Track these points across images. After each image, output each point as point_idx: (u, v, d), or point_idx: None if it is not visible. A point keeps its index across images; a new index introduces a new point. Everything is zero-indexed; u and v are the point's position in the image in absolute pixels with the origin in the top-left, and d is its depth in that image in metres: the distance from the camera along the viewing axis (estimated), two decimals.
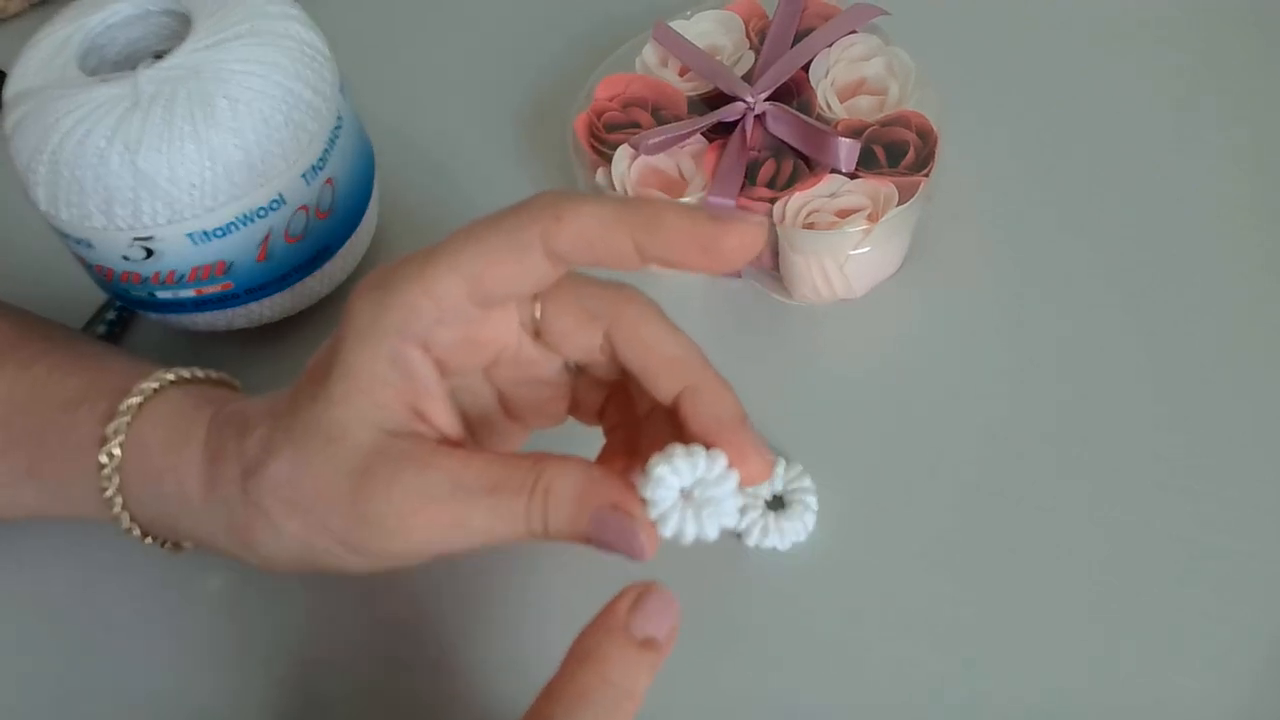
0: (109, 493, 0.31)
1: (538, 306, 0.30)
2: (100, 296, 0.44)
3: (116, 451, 0.31)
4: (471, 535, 0.28)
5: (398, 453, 0.28)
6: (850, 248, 0.39)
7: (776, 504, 0.37)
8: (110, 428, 0.31)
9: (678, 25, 0.45)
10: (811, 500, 0.36)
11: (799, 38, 0.44)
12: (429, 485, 0.28)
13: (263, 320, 0.41)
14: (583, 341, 0.30)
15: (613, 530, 0.27)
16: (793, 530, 0.36)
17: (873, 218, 0.39)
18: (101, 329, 0.44)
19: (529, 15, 0.55)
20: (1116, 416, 0.38)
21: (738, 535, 0.36)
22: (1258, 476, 0.36)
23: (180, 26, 0.39)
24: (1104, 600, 0.34)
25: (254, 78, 0.36)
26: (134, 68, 0.36)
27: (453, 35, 0.55)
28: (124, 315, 0.44)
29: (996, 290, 0.42)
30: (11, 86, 0.37)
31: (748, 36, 0.45)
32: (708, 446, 0.28)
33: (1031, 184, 0.45)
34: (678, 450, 0.28)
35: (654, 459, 0.28)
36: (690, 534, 0.28)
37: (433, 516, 0.28)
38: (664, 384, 0.29)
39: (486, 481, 0.28)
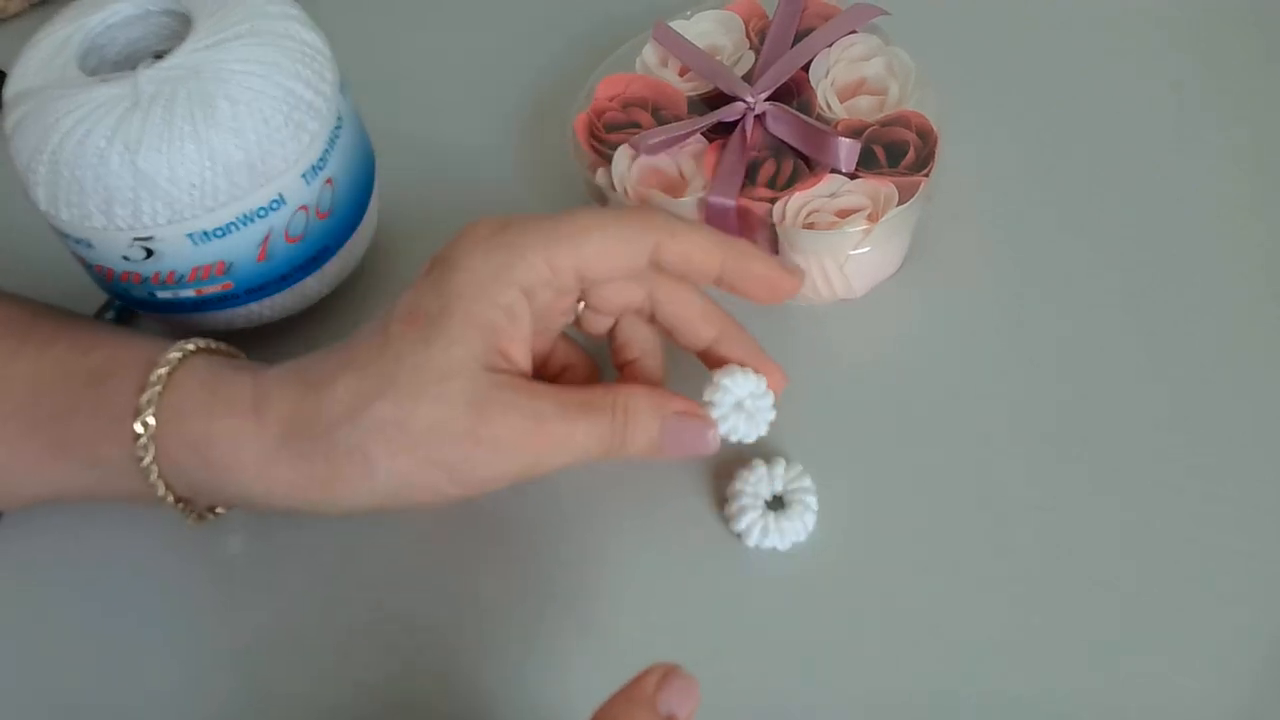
0: (145, 461, 0.32)
1: None
2: (100, 296, 0.44)
3: (151, 420, 0.32)
4: (572, 451, 0.33)
5: (506, 383, 0.32)
6: (850, 248, 0.39)
7: (776, 504, 0.37)
8: (143, 398, 0.32)
9: (678, 25, 0.45)
10: (811, 500, 0.36)
11: (799, 38, 0.44)
12: (540, 408, 0.32)
13: (263, 320, 0.41)
14: (628, 301, 0.35)
15: (683, 432, 0.34)
16: (793, 530, 0.36)
17: (873, 218, 0.39)
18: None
19: (529, 15, 0.55)
20: (1116, 416, 0.38)
21: (738, 535, 0.36)
22: (1258, 476, 0.36)
23: (180, 26, 0.39)
24: (1104, 600, 0.34)
25: (254, 78, 0.36)
26: (134, 68, 0.36)
27: (453, 35, 0.55)
28: (124, 315, 0.44)
29: (996, 290, 0.42)
30: (11, 86, 0.37)
31: (748, 36, 0.45)
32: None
33: (1031, 184, 0.45)
34: (735, 369, 0.35)
35: (717, 372, 0.35)
36: (744, 434, 0.35)
37: (545, 433, 0.32)
38: (702, 331, 0.36)
39: (581, 402, 0.33)
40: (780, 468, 0.37)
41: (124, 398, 0.32)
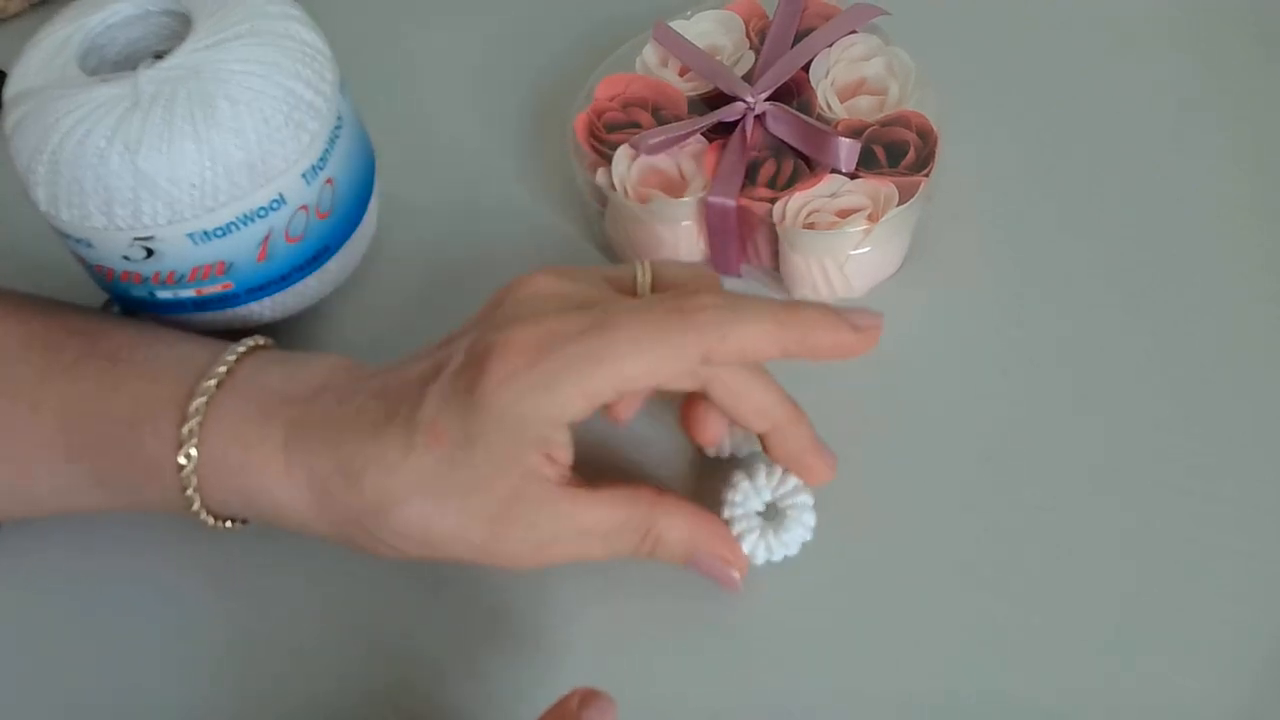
0: (194, 506, 0.33)
1: None
2: (100, 295, 0.44)
3: (193, 479, 0.33)
4: (586, 560, 0.33)
5: (531, 498, 0.31)
6: (850, 248, 0.39)
7: (771, 513, 0.35)
8: (179, 457, 0.32)
9: (678, 25, 0.45)
10: (809, 518, 0.35)
11: (799, 38, 0.44)
12: (558, 532, 0.32)
13: (263, 320, 0.41)
14: (679, 387, 0.32)
15: (712, 570, 0.34)
16: (794, 539, 0.35)
17: (873, 218, 0.39)
18: None
19: (529, 15, 0.55)
20: (1116, 416, 0.38)
21: None
22: (1258, 476, 0.36)
23: (180, 26, 0.39)
24: (1104, 600, 0.34)
25: (254, 78, 0.36)
26: (134, 68, 0.36)
27: (453, 35, 0.55)
28: (126, 312, 0.44)
29: (996, 290, 0.42)
30: (11, 86, 0.37)
31: (748, 36, 0.45)
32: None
33: (1032, 184, 0.45)
34: (761, 469, 0.34)
35: (737, 476, 0.34)
36: (771, 553, 0.34)
37: (557, 553, 0.32)
38: (754, 425, 0.33)
39: (607, 528, 0.32)
40: (761, 477, 0.35)
41: (160, 446, 0.33)
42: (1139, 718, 0.32)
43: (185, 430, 0.32)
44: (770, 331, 0.31)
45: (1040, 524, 0.36)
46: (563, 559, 0.32)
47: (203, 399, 0.33)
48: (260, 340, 0.36)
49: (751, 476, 0.35)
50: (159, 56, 0.38)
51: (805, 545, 0.35)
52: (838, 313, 0.32)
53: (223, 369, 0.33)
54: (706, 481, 0.38)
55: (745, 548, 0.34)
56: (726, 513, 0.34)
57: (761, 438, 0.34)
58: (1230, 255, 0.42)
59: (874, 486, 0.37)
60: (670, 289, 0.34)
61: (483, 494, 0.31)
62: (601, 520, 0.32)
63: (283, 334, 0.42)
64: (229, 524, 0.34)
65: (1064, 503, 0.36)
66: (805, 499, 0.35)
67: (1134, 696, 0.33)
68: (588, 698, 0.28)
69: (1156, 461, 0.37)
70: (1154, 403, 0.38)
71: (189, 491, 0.33)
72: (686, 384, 0.32)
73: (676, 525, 0.33)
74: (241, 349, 0.35)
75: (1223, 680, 0.33)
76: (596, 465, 0.34)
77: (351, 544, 0.33)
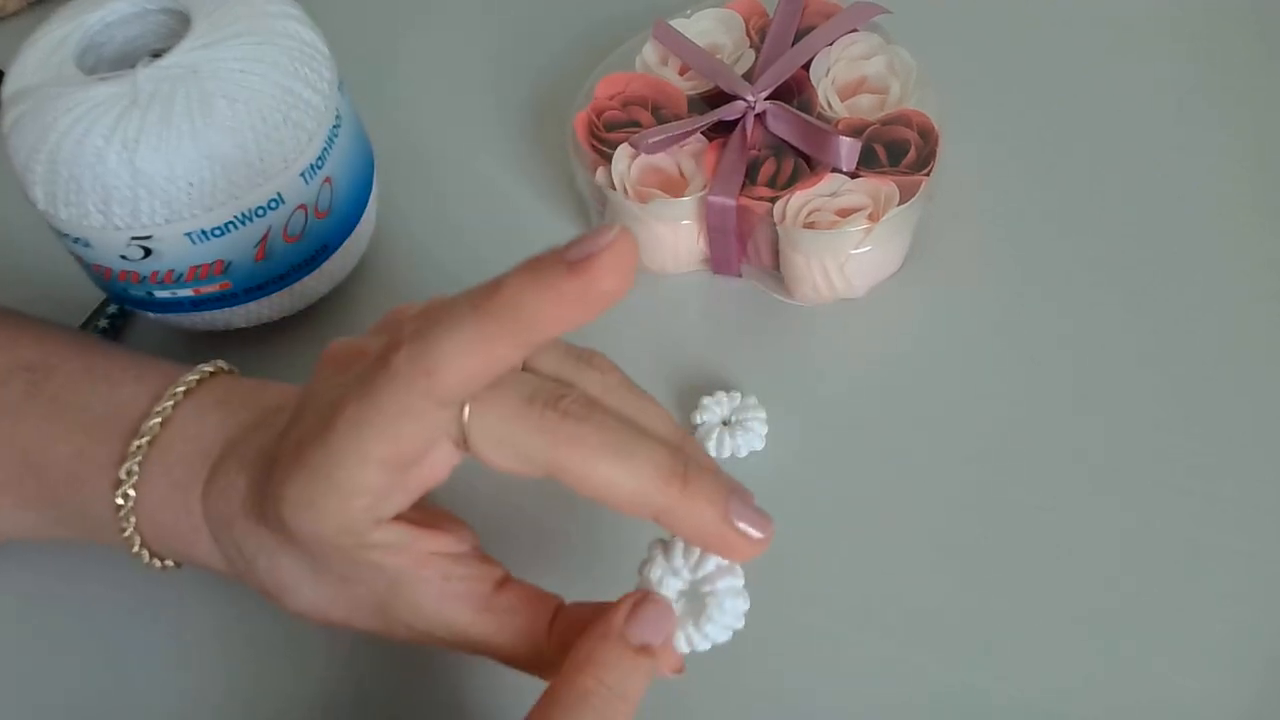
0: (144, 559, 0.33)
1: (464, 423, 0.26)
2: (97, 295, 0.44)
3: (137, 543, 0.33)
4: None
5: (406, 597, 0.28)
6: (851, 247, 0.39)
7: (692, 596, 0.28)
8: (120, 518, 0.32)
9: (678, 24, 0.45)
10: (737, 604, 0.28)
11: (799, 36, 0.44)
12: (441, 637, 0.29)
13: (261, 320, 0.41)
14: (527, 474, 0.26)
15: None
16: (715, 632, 0.28)
17: (873, 217, 0.39)
18: (103, 323, 0.43)
19: (529, 14, 0.54)
20: (1117, 416, 0.38)
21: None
22: (1258, 476, 0.36)
23: (178, 25, 0.39)
24: (1104, 600, 0.34)
25: (252, 76, 0.36)
26: (132, 66, 0.36)
27: (452, 34, 0.54)
28: (124, 311, 0.44)
29: (997, 290, 0.42)
30: (9, 85, 0.37)
31: (748, 35, 0.45)
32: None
33: (1032, 183, 0.45)
34: (667, 551, 0.27)
35: (644, 565, 0.28)
36: (698, 642, 0.27)
37: (454, 648, 0.29)
38: (632, 514, 0.26)
39: (492, 647, 0.29)
40: (678, 557, 0.28)
41: (103, 509, 0.32)
42: (1139, 718, 0.32)
43: (119, 498, 0.32)
44: (476, 335, 0.24)
45: (1040, 524, 0.36)
46: (459, 650, 0.30)
47: (135, 460, 0.32)
48: (208, 369, 0.34)
49: (668, 554, 0.28)
50: (157, 55, 0.37)
51: (808, 541, 0.35)
52: (542, 260, 0.23)
53: (156, 421, 0.32)
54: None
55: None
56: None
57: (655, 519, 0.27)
58: (1231, 254, 0.42)
59: (873, 486, 0.37)
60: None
61: (357, 587, 0.29)
62: (487, 641, 0.29)
63: (281, 333, 0.42)
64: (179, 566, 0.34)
65: (1064, 502, 0.36)
66: (732, 582, 0.27)
67: (1134, 696, 0.33)
68: (638, 607, 0.27)
69: (1156, 461, 0.37)
70: (1154, 402, 0.38)
71: (135, 549, 0.33)
72: (518, 468, 0.26)
73: (586, 644, 0.27)
74: (181, 390, 0.33)
75: (1223, 680, 0.33)
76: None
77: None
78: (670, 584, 0.27)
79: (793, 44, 0.43)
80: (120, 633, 0.37)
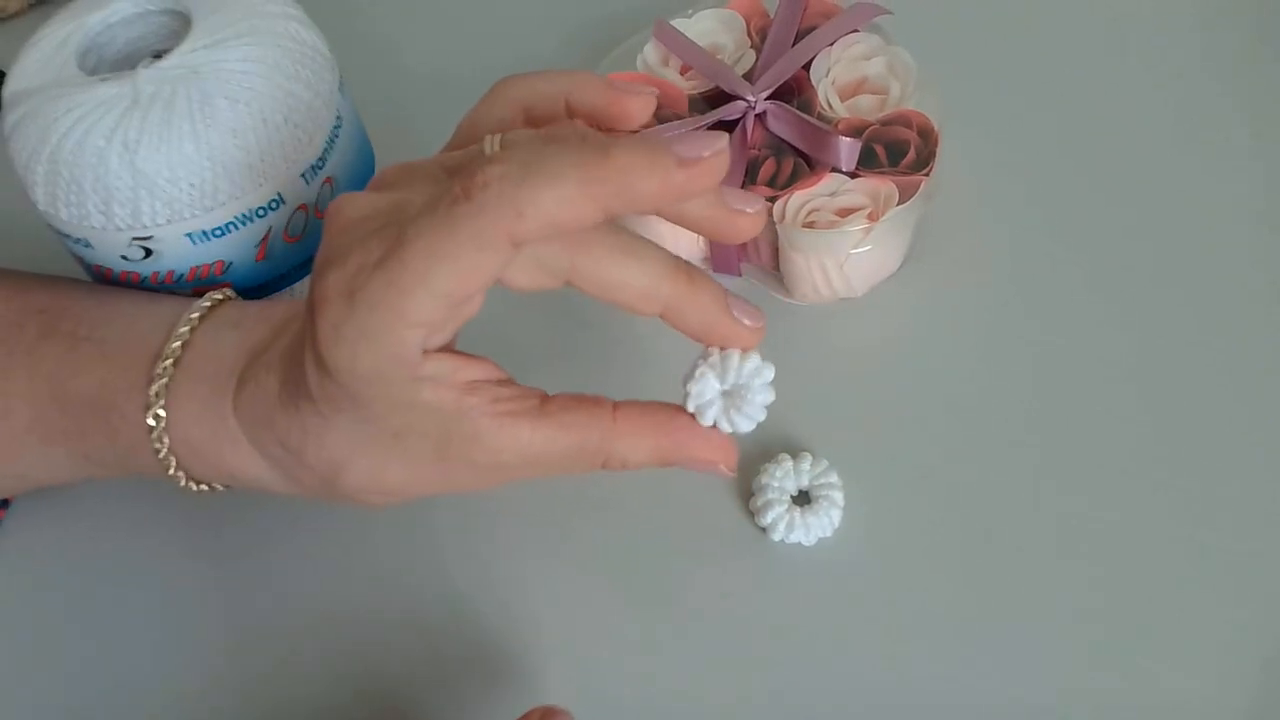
0: (175, 475, 0.33)
1: None
2: None
3: (171, 460, 0.33)
4: (546, 474, 0.30)
5: (464, 434, 0.29)
6: (850, 247, 0.39)
7: (802, 499, 0.37)
8: (153, 438, 0.32)
9: (679, 24, 0.45)
10: (838, 496, 0.36)
11: (800, 36, 0.44)
12: (502, 462, 0.29)
13: None
14: (547, 286, 0.29)
15: (695, 469, 0.31)
16: (819, 525, 0.36)
17: (873, 217, 0.39)
18: None
19: (529, 14, 0.54)
20: (1117, 416, 0.38)
21: (763, 530, 0.36)
22: (1257, 476, 0.36)
23: (180, 26, 0.39)
24: (1104, 600, 0.34)
25: (253, 77, 0.36)
26: (133, 67, 0.36)
27: (452, 34, 0.54)
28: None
29: (996, 290, 0.42)
30: (10, 86, 0.37)
31: (749, 35, 0.45)
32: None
33: (1032, 183, 0.45)
34: (713, 356, 0.30)
35: (696, 362, 0.30)
36: (737, 426, 0.31)
37: (508, 477, 0.30)
38: (644, 310, 0.29)
39: (558, 454, 0.29)
40: (806, 463, 0.37)
41: (132, 431, 0.33)
42: (1139, 718, 0.32)
43: (150, 418, 0.32)
44: (578, 192, 0.25)
45: (1040, 524, 0.36)
46: (519, 478, 0.30)
47: (162, 381, 0.32)
48: (218, 296, 0.35)
49: (794, 458, 0.36)
50: (158, 56, 0.37)
51: (830, 539, 0.36)
52: (655, 145, 0.26)
53: (177, 344, 0.33)
54: (742, 473, 0.38)
55: (768, 519, 0.35)
56: (691, 405, 0.31)
57: (664, 320, 0.30)
58: (1231, 254, 0.42)
59: (873, 486, 0.37)
60: None
61: (411, 438, 0.29)
62: (550, 449, 0.29)
63: None
64: (223, 487, 0.34)
65: (1064, 503, 0.36)
66: (837, 495, 0.36)
67: (1134, 697, 0.33)
68: (547, 715, 0.28)
69: (1156, 461, 0.37)
70: (1154, 402, 0.38)
71: (172, 471, 0.33)
72: (541, 281, 0.28)
73: (638, 448, 0.30)
74: (195, 314, 0.34)
75: (1223, 680, 0.33)
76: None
77: (330, 501, 0.32)
78: (712, 384, 0.30)
79: (793, 44, 0.43)
80: (122, 632, 0.37)
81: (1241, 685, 0.32)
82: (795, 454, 0.37)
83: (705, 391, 0.30)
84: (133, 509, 0.39)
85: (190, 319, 0.34)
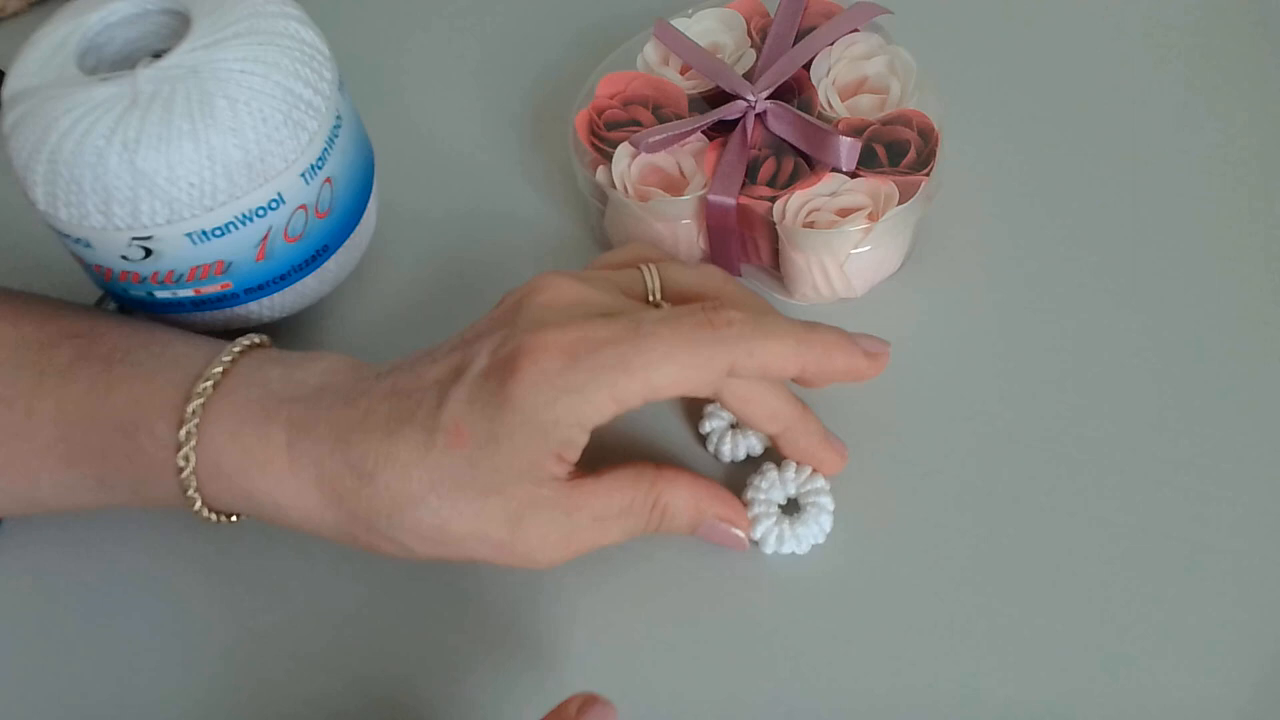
0: (197, 507, 0.33)
1: None
2: (97, 295, 0.44)
3: (193, 482, 0.33)
4: (603, 546, 0.34)
5: (545, 501, 0.32)
6: (850, 247, 0.39)
7: (791, 508, 0.36)
8: (179, 458, 0.32)
9: (679, 23, 0.45)
10: (827, 502, 0.36)
11: (800, 36, 0.44)
12: (575, 525, 0.32)
13: (262, 320, 0.41)
14: (697, 394, 0.33)
15: (716, 535, 0.35)
16: (809, 534, 0.36)
17: (873, 217, 0.39)
18: None
19: (530, 13, 0.54)
20: (1117, 416, 0.38)
21: (754, 542, 0.36)
22: (1258, 476, 0.36)
23: (179, 25, 0.39)
24: (1105, 600, 0.34)
25: (253, 77, 0.36)
26: (133, 67, 0.36)
27: (453, 33, 0.54)
28: (123, 309, 0.44)
29: (997, 290, 0.42)
30: (10, 86, 0.37)
31: (749, 35, 0.45)
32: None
33: (1033, 183, 0.45)
34: (774, 471, 0.36)
35: (760, 474, 0.36)
36: (792, 546, 0.35)
37: (575, 546, 0.33)
38: (766, 428, 0.35)
39: (618, 509, 0.33)
40: (791, 471, 0.37)
41: (158, 450, 0.33)
42: (1139, 718, 0.32)
43: (183, 434, 0.32)
44: (793, 350, 0.32)
45: (1040, 524, 0.36)
46: (581, 550, 0.33)
47: (199, 401, 0.33)
48: (257, 339, 0.36)
49: (781, 468, 0.37)
50: (157, 56, 0.37)
51: (822, 547, 0.36)
52: (851, 337, 0.34)
53: (219, 369, 0.33)
54: (730, 486, 0.37)
55: (757, 533, 0.36)
56: (749, 511, 0.36)
57: (773, 438, 0.36)
58: (1231, 254, 0.42)
59: (873, 486, 0.37)
60: (678, 293, 0.35)
61: (502, 496, 0.31)
62: (612, 504, 0.33)
63: (282, 334, 0.42)
64: (233, 518, 0.34)
65: (1064, 502, 0.36)
66: (826, 500, 0.36)
67: (1134, 697, 0.33)
68: (587, 703, 0.28)
69: (1158, 461, 0.37)
70: (1154, 402, 0.38)
71: (190, 492, 0.33)
72: (705, 392, 0.32)
73: (680, 494, 0.34)
74: (237, 349, 0.35)
75: (1223, 680, 0.33)
76: (595, 452, 0.34)
77: (355, 542, 0.33)
78: (776, 493, 0.36)
79: (794, 44, 0.43)
80: (126, 636, 0.37)
81: (1241, 685, 0.32)
82: (780, 463, 0.37)
83: (769, 493, 0.36)
84: (133, 510, 0.39)
85: (233, 350, 0.34)
